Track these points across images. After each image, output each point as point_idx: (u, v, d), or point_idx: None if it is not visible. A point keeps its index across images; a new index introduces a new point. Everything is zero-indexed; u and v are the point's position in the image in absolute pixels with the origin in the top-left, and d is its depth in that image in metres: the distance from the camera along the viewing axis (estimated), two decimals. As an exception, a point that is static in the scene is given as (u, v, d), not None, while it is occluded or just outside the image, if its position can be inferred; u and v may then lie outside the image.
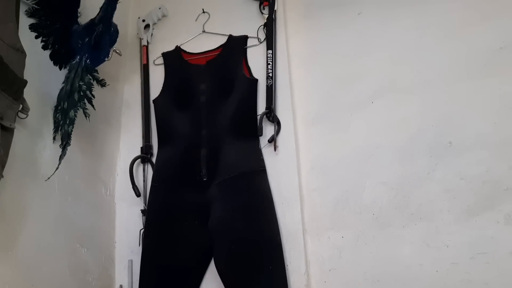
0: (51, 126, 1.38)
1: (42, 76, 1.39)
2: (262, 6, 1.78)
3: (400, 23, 1.64)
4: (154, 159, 1.70)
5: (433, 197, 1.40)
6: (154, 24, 1.92)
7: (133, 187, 1.61)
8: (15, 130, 1.16)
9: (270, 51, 1.67)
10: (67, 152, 1.36)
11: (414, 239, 1.39)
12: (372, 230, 1.45)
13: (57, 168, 1.31)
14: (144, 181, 1.68)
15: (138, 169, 1.71)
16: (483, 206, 1.34)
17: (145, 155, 1.69)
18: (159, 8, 1.91)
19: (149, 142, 1.72)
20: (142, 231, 1.59)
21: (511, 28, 1.47)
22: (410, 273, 1.36)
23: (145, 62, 1.85)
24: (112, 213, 1.66)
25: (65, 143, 1.33)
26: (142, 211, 1.62)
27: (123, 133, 1.80)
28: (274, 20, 1.74)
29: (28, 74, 1.25)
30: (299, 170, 1.57)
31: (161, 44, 1.87)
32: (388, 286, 1.38)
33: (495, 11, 1.51)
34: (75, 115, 1.35)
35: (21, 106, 1.19)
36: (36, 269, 1.22)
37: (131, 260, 1.60)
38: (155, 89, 1.79)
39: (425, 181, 1.43)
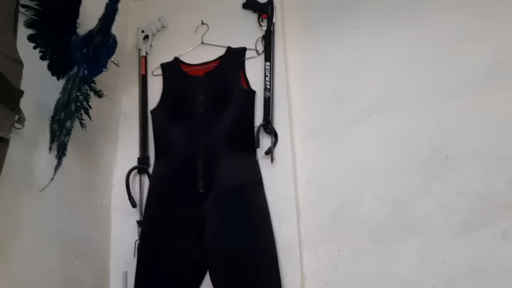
0: (47, 136, 1.38)
1: (39, 87, 1.39)
2: (260, 19, 1.79)
3: (397, 37, 1.65)
4: (151, 170, 1.69)
5: (429, 212, 1.40)
6: (153, 35, 1.93)
7: (129, 198, 1.60)
8: (10, 141, 1.15)
9: (268, 63, 1.68)
10: (63, 162, 1.36)
11: (410, 253, 1.39)
12: (369, 244, 1.45)
13: (52, 179, 1.30)
14: (140, 192, 1.68)
15: (135, 179, 1.70)
16: (480, 221, 1.33)
17: (141, 166, 1.69)
18: (159, 19, 1.92)
19: (146, 153, 1.72)
20: (137, 242, 1.57)
21: (507, 43, 1.48)
22: (407, 288, 1.36)
23: (143, 72, 1.85)
24: (107, 224, 1.65)
25: (61, 153, 1.33)
26: (138, 222, 1.61)
27: (120, 143, 1.80)
28: (273, 32, 1.75)
29: (25, 84, 1.25)
30: (295, 182, 1.57)
31: (160, 55, 1.88)
32: (384, 301, 1.37)
33: (491, 27, 1.52)
34: (72, 126, 1.35)
35: (17, 116, 1.18)
36: (30, 280, 1.21)
37: (126, 272, 1.59)
38: (153, 99, 1.80)
39: (422, 195, 1.43)
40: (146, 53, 1.89)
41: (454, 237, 1.35)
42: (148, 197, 1.61)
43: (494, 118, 1.42)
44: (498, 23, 1.51)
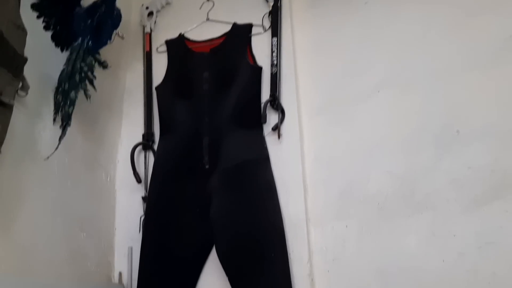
0: (51, 107, 1.36)
1: (43, 57, 1.36)
2: (267, -6, 1.76)
3: (407, 12, 1.62)
4: (155, 147, 1.67)
5: (439, 187, 1.38)
6: (158, 11, 1.90)
7: (134, 174, 1.59)
8: (14, 109, 1.13)
9: (275, 39, 1.65)
10: (67, 135, 1.34)
11: (420, 229, 1.36)
12: (377, 220, 1.42)
13: (56, 148, 1.28)
14: (145, 168, 1.66)
15: (140, 156, 1.68)
16: (491, 195, 1.31)
17: (146, 142, 1.67)
18: (163, -4, 1.89)
19: (151, 130, 1.70)
20: (142, 218, 1.56)
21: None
22: (416, 263, 1.33)
23: (148, 49, 1.83)
24: (112, 199, 1.63)
25: (65, 123, 1.31)
26: (143, 198, 1.59)
27: (124, 120, 1.78)
28: (280, 8, 1.72)
29: (28, 54, 1.21)
30: (303, 159, 1.54)
31: (165, 32, 1.86)
32: (392, 277, 1.35)
33: (503, 0, 1.49)
34: (76, 96, 1.33)
35: (21, 84, 1.16)
36: (33, 250, 1.19)
37: (131, 247, 1.57)
38: (158, 76, 1.77)
39: (432, 170, 1.40)
40: (151, 29, 1.87)
41: (465, 211, 1.32)
42: (153, 173, 1.59)
43: (506, 92, 1.38)
44: (510, -5, 1.49)
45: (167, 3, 1.91)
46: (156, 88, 1.74)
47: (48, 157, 1.26)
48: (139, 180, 1.58)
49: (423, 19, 1.59)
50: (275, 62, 1.62)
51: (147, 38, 1.85)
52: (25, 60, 1.16)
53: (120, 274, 1.54)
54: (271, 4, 1.73)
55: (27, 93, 1.19)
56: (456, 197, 1.34)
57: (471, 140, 1.38)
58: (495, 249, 1.25)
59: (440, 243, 1.32)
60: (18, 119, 1.19)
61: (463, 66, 1.47)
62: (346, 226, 1.45)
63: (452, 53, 1.50)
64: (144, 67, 1.81)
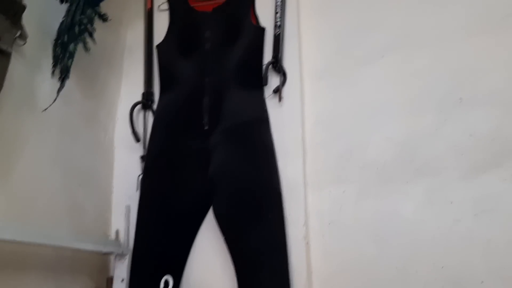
0: (50, 60, 1.33)
1: (42, 7, 1.33)
2: (272, -47, 1.71)
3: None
4: (155, 107, 1.65)
5: (439, 154, 1.37)
6: (161, -32, 1.85)
7: (132, 132, 1.58)
8: (13, 58, 1.12)
9: (279, -1, 1.62)
10: (66, 90, 1.33)
11: (417, 194, 1.36)
12: (375, 185, 1.42)
13: (54, 100, 1.26)
14: (144, 127, 1.65)
15: (139, 115, 1.67)
16: (491, 163, 1.30)
17: (146, 101, 1.65)
18: (166, -49, 1.83)
19: (151, 89, 1.68)
20: (140, 177, 1.55)
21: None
22: (412, 229, 1.34)
23: (149, 6, 1.79)
24: (110, 157, 1.63)
25: (63, 76, 1.29)
26: (141, 157, 1.59)
27: (124, 78, 1.75)
28: (285, -34, 1.67)
29: (28, 2, 1.19)
30: (303, 122, 1.53)
31: (166, -11, 1.81)
32: (388, 241, 1.36)
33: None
34: (75, 49, 1.30)
35: (19, 31, 1.14)
36: (31, 200, 1.20)
37: (129, 206, 1.57)
38: (159, 35, 1.74)
39: (433, 137, 1.39)
40: (153, -14, 1.82)
41: (463, 179, 1.32)
42: (152, 131, 1.58)
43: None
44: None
45: (171, -41, 1.85)
46: (157, 46, 1.71)
47: (45, 109, 1.24)
48: (137, 139, 1.57)
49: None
50: (278, 23, 1.59)
51: (149, -5, 1.81)
52: (23, 7, 1.14)
53: (117, 231, 1.55)
54: (277, -37, 1.68)
55: (25, 42, 1.17)
56: (456, 164, 1.34)
57: (473, 108, 1.37)
58: (491, 217, 1.25)
59: (437, 209, 1.32)
60: (16, 69, 1.18)
61: (470, 30, 1.44)
62: (344, 191, 1.45)
63: (459, 17, 1.46)
64: (145, 24, 1.78)
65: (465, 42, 1.42)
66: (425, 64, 1.46)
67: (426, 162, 1.38)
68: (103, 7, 1.49)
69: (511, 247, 1.22)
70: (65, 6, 1.39)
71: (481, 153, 1.32)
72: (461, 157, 1.34)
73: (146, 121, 1.66)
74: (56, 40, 1.34)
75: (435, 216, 1.32)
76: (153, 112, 1.64)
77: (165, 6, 1.78)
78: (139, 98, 1.68)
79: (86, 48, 1.35)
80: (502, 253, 1.22)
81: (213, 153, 1.48)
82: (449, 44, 1.44)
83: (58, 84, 1.30)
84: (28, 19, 1.18)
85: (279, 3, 1.61)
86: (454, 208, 1.31)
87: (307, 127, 1.55)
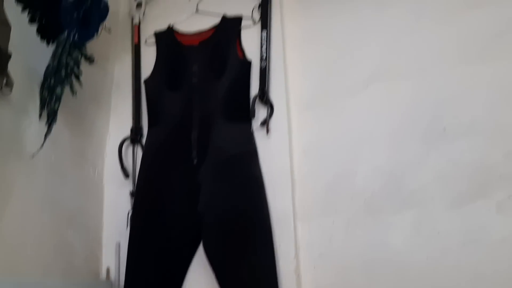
0: (37, 103, 1.34)
1: (28, 51, 1.34)
2: (257, -14, 1.74)
3: (395, 7, 1.60)
4: (144, 141, 1.66)
5: (425, 183, 1.39)
6: (147, 2, 1.87)
7: (121, 168, 1.58)
8: (-2, 105, 1.13)
9: (264, 32, 1.64)
10: (53, 131, 1.33)
11: (405, 225, 1.38)
12: (363, 216, 1.43)
13: (42, 145, 1.27)
14: (133, 162, 1.65)
15: (128, 150, 1.68)
16: (476, 193, 1.32)
17: (135, 136, 1.66)
18: (152, -14, 1.86)
19: (139, 124, 1.69)
20: (130, 213, 1.56)
21: (509, 12, 1.45)
22: (401, 259, 1.35)
23: (136, 41, 1.81)
24: (100, 194, 1.63)
25: (51, 120, 1.29)
26: (131, 193, 1.59)
27: (112, 114, 1.76)
28: (270, 0, 1.70)
29: (13, 49, 1.21)
30: (291, 154, 1.54)
31: (154, 24, 1.83)
32: (378, 273, 1.36)
33: (493, -5, 1.49)
34: (62, 92, 1.31)
35: (5, 80, 1.15)
36: (20, 248, 1.19)
37: (119, 243, 1.57)
38: (147, 69, 1.75)
39: (418, 167, 1.41)
40: (139, 21, 1.84)
41: (449, 209, 1.33)
42: (141, 167, 1.59)
43: (493, 88, 1.38)
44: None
45: (156, -6, 1.88)
46: (145, 81, 1.73)
47: (33, 155, 1.25)
48: (126, 175, 1.58)
49: (413, 12, 1.58)
50: (264, 56, 1.61)
51: (136, 30, 1.83)
52: (9, 56, 1.15)
53: (108, 269, 1.55)
54: (261, -4, 1.71)
55: (11, 90, 1.18)
56: (441, 194, 1.36)
57: (457, 137, 1.39)
58: (478, 247, 1.27)
59: (425, 240, 1.34)
60: (2, 115, 1.19)
61: (452, 61, 1.47)
62: (333, 222, 1.46)
63: (442, 48, 1.49)
64: (132, 59, 1.79)
65: (446, 73, 1.45)
66: (408, 94, 1.49)
67: (413, 192, 1.39)
68: (90, 43, 1.49)
69: (499, 277, 1.23)
70: (51, 48, 1.40)
71: (466, 183, 1.34)
72: (447, 187, 1.36)
73: (135, 156, 1.66)
74: (43, 83, 1.35)
75: (423, 247, 1.33)
76: (142, 147, 1.65)
77: (152, 40, 1.80)
78: (128, 133, 1.68)
79: (73, 91, 1.36)
80: (490, 283, 1.23)
81: (201, 188, 1.48)
82: (431, 75, 1.47)
83: (45, 128, 1.30)
84: (14, 63, 1.19)
85: (264, 36, 1.63)
86: (442, 238, 1.32)
87: (295, 158, 1.56)
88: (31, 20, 1.34)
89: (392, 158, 1.45)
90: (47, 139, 1.31)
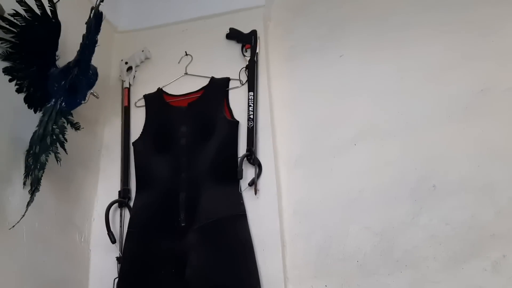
0: (22, 171, 1.33)
1: (14, 120, 1.35)
2: (244, 49, 1.79)
3: (381, 65, 1.65)
4: (132, 203, 1.64)
5: (418, 243, 1.36)
6: (137, 66, 1.91)
7: (108, 233, 1.54)
8: (-19, 175, 1.12)
9: (251, 93, 1.66)
10: (38, 198, 1.30)
11: (400, 286, 1.34)
12: (357, 278, 1.40)
13: (23, 215, 1.24)
14: (121, 226, 1.62)
15: (115, 214, 1.65)
16: (470, 253, 1.29)
17: (122, 200, 1.64)
18: (142, 51, 1.91)
19: (128, 186, 1.67)
20: (116, 280, 1.51)
21: (491, 70, 1.48)
22: (397, 324, 1.30)
23: (126, 104, 1.83)
24: (86, 261, 1.58)
25: (34, 188, 1.28)
26: (118, 259, 1.55)
27: (101, 176, 1.74)
28: (256, 62, 1.74)
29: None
30: (280, 214, 1.52)
31: (143, 86, 1.86)
32: None
33: (475, 54, 1.53)
34: (47, 160, 1.30)
35: (-14, 151, 1.15)
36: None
37: (105, 311, 1.51)
38: (136, 131, 1.76)
39: (410, 226, 1.39)
40: (130, 84, 1.87)
41: (444, 270, 1.30)
42: (128, 232, 1.55)
43: (480, 145, 1.40)
44: (481, 50, 1.52)
45: (146, 58, 1.92)
46: (133, 144, 1.73)
47: (13, 226, 1.22)
48: (113, 241, 1.54)
49: (397, 71, 1.62)
50: (251, 116, 1.62)
51: (126, 92, 1.85)
52: (-8, 127, 1.15)
53: None
54: (248, 58, 1.75)
55: (-6, 160, 1.17)
56: (435, 254, 1.33)
57: (447, 195, 1.38)
58: (475, 310, 1.22)
59: (420, 303, 1.29)
60: (-15, 185, 1.17)
61: (437, 119, 1.49)
62: (326, 286, 1.42)
63: (427, 106, 1.53)
64: (122, 122, 1.80)
65: (433, 130, 1.47)
66: (396, 152, 1.49)
67: (405, 253, 1.37)
68: (80, 107, 1.51)
69: None
70: (38, 116, 1.41)
71: (459, 242, 1.31)
72: (440, 246, 1.33)
73: (123, 220, 1.63)
74: (28, 150, 1.34)
75: (419, 310, 1.29)
76: (130, 210, 1.63)
77: (142, 102, 1.82)
78: (116, 195, 1.66)
79: (58, 159, 1.35)
80: None
81: (189, 254, 1.44)
82: (418, 132, 1.49)
83: (29, 196, 1.29)
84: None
85: (251, 97, 1.65)
86: (438, 301, 1.27)
87: (285, 219, 1.54)
88: (19, 91, 1.36)
89: (382, 217, 1.43)
90: (31, 207, 1.29)
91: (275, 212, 1.51)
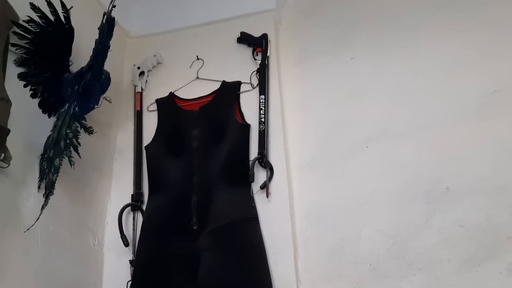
0: (36, 175, 1.35)
1: (29, 125, 1.38)
2: (255, 52, 1.79)
3: (393, 67, 1.64)
4: (144, 207, 1.65)
5: (431, 246, 1.34)
6: (149, 71, 1.93)
7: (121, 237, 1.56)
8: (-4, 180, 1.14)
9: (262, 96, 1.67)
10: (52, 201, 1.33)
11: (413, 291, 1.32)
12: (369, 281, 1.39)
13: (37, 218, 1.26)
14: (134, 230, 1.63)
15: (129, 217, 1.66)
16: (485, 255, 1.27)
17: (135, 203, 1.65)
18: (154, 56, 1.93)
19: (140, 189, 1.69)
20: (129, 283, 1.52)
21: (505, 70, 1.46)
22: (411, 328, 1.28)
23: (139, 108, 1.85)
24: (99, 264, 1.60)
25: (48, 192, 1.30)
26: (131, 262, 1.56)
27: (114, 180, 1.76)
28: (267, 65, 1.74)
29: (15, 122, 1.24)
30: (292, 217, 1.52)
31: (156, 91, 1.88)
32: None
33: (488, 54, 1.51)
34: (60, 164, 1.32)
35: (2, 155, 1.16)
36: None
37: (118, 314, 1.52)
38: (149, 135, 1.78)
39: (423, 228, 1.37)
40: (142, 89, 1.89)
41: (458, 273, 1.28)
42: (141, 235, 1.57)
43: (494, 146, 1.38)
44: (494, 50, 1.50)
45: (158, 63, 1.94)
46: (146, 147, 1.75)
47: (28, 229, 1.24)
48: (126, 244, 1.55)
49: (409, 72, 1.61)
50: (262, 119, 1.63)
51: (138, 97, 1.87)
52: (7, 131, 1.17)
53: None
54: (259, 62, 1.76)
55: (9, 164, 1.19)
56: (449, 257, 1.31)
57: (461, 197, 1.36)
58: (491, 314, 1.20)
59: (435, 306, 1.27)
60: (0, 188, 1.19)
61: (450, 119, 1.48)
62: (338, 289, 1.41)
63: (440, 107, 1.51)
64: (134, 126, 1.82)
65: (447, 131, 1.45)
66: (408, 154, 1.48)
67: (419, 256, 1.35)
68: (94, 112, 1.53)
69: None
70: (52, 120, 1.43)
71: (474, 245, 1.29)
72: (454, 249, 1.31)
73: (135, 223, 1.64)
74: (43, 155, 1.37)
75: (433, 314, 1.27)
76: (143, 213, 1.64)
77: (154, 107, 1.84)
78: (129, 199, 1.68)
79: (71, 163, 1.37)
80: None
81: (202, 255, 1.45)
82: (431, 133, 1.47)
83: (43, 199, 1.31)
84: (14, 138, 1.22)
85: (262, 100, 1.66)
86: (452, 305, 1.26)
87: (297, 222, 1.53)
88: (33, 96, 1.39)
89: (395, 220, 1.42)
90: (46, 210, 1.31)
91: (287, 215, 1.50)
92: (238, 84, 1.75)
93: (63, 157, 1.33)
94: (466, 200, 1.34)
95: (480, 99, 1.46)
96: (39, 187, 1.35)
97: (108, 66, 1.51)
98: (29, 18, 1.36)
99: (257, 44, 1.80)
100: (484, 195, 1.33)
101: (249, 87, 1.73)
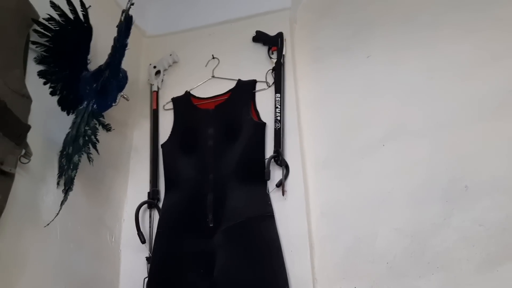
0: (56, 171, 1.37)
1: (49, 122, 1.39)
2: (270, 51, 1.80)
3: (409, 65, 1.63)
4: (161, 204, 1.66)
5: (450, 245, 1.33)
6: (165, 70, 1.95)
7: (138, 234, 1.57)
8: (16, 175, 1.15)
9: (278, 95, 1.67)
10: (71, 198, 1.34)
11: (432, 290, 1.31)
12: (387, 280, 1.38)
13: (57, 214, 1.28)
14: (150, 227, 1.64)
15: (145, 214, 1.67)
16: (505, 255, 1.26)
17: (151, 200, 1.66)
18: (170, 55, 1.94)
19: (157, 187, 1.70)
20: (146, 279, 1.53)
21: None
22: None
23: (155, 107, 1.86)
24: (116, 260, 1.61)
25: (67, 188, 1.31)
26: (147, 259, 1.57)
27: (131, 178, 1.78)
28: (283, 64, 1.74)
29: (34, 119, 1.26)
30: (308, 216, 1.51)
31: (171, 90, 1.89)
32: None
33: (505, 52, 1.49)
34: (79, 160, 1.34)
35: (23, 151, 1.18)
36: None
37: (135, 310, 1.53)
38: (165, 134, 1.79)
39: (441, 227, 1.36)
40: (158, 88, 1.90)
41: (478, 272, 1.27)
42: (157, 232, 1.58)
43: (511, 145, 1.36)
44: (510, 49, 1.48)
45: (174, 62, 1.95)
46: (162, 146, 1.76)
47: (48, 224, 1.26)
48: (143, 241, 1.56)
49: (426, 71, 1.60)
50: (278, 118, 1.63)
51: (154, 96, 1.88)
52: (28, 127, 1.19)
53: (123, 338, 1.50)
54: (274, 60, 1.76)
55: (29, 160, 1.20)
56: (468, 256, 1.30)
57: (480, 196, 1.35)
58: (512, 314, 1.18)
59: (453, 306, 1.26)
60: (20, 184, 1.20)
61: (467, 118, 1.46)
62: (355, 287, 1.40)
63: (456, 105, 1.50)
64: (151, 124, 1.84)
65: (464, 129, 1.44)
66: (425, 152, 1.47)
67: (437, 255, 1.34)
68: (111, 110, 1.54)
69: None
70: (71, 117, 1.45)
71: (494, 244, 1.28)
72: (473, 248, 1.30)
73: (152, 220, 1.65)
74: (62, 151, 1.38)
75: (452, 314, 1.26)
76: (159, 211, 1.65)
77: (170, 105, 1.85)
78: (145, 196, 1.69)
79: (90, 159, 1.39)
80: None
81: (217, 253, 1.45)
82: (449, 132, 1.46)
83: (62, 195, 1.32)
84: (33, 134, 1.23)
85: (278, 99, 1.66)
86: (472, 304, 1.24)
87: (313, 220, 1.53)
88: (53, 93, 1.40)
89: (413, 218, 1.41)
90: (64, 206, 1.32)
91: (302, 213, 1.50)
92: (253, 82, 1.76)
93: (82, 154, 1.34)
94: (485, 199, 1.33)
95: (497, 98, 1.44)
96: (58, 183, 1.36)
97: (124, 65, 1.52)
98: (49, 16, 1.38)
99: (272, 42, 1.80)
100: (503, 194, 1.32)
101: (264, 85, 1.74)
